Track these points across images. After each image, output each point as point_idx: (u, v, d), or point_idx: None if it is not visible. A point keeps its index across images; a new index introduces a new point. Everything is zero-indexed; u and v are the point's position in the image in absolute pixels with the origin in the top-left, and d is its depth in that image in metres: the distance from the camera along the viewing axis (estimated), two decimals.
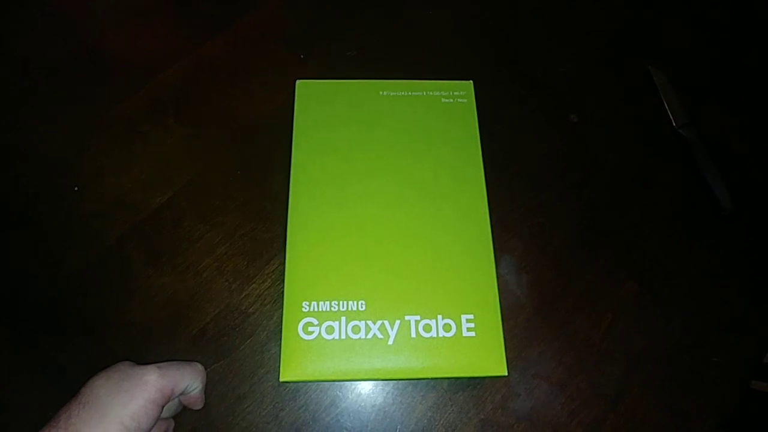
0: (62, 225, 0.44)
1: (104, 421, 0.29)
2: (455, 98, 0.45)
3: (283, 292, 0.38)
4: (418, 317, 0.36)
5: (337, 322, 0.36)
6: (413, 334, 0.36)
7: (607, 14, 0.56)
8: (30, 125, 0.48)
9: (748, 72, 0.54)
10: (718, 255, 0.45)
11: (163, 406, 0.32)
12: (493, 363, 0.36)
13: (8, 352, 0.40)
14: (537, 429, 0.39)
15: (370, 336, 0.36)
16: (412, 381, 0.40)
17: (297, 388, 0.39)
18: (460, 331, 0.36)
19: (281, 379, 0.35)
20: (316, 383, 0.39)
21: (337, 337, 0.36)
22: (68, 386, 0.31)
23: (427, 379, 0.39)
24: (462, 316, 0.37)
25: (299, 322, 0.36)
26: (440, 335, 0.36)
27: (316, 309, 0.36)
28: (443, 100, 0.45)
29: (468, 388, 0.40)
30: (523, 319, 0.42)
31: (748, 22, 0.57)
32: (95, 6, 0.54)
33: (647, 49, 0.54)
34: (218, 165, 0.46)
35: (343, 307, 0.36)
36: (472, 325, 0.36)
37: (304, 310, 0.36)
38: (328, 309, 0.36)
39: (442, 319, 0.36)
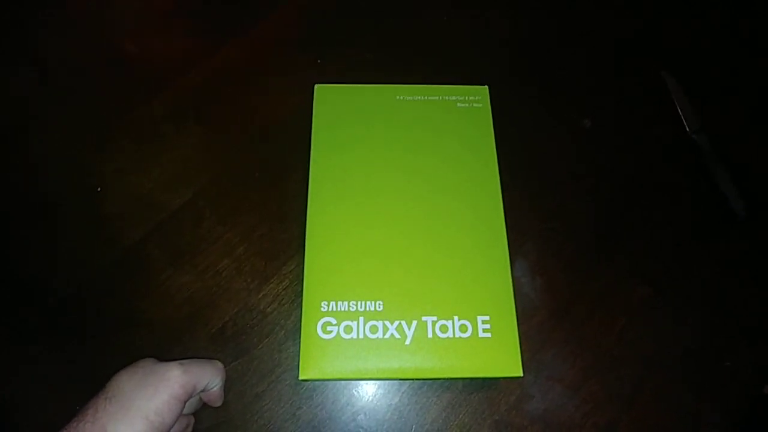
0: (85, 225, 0.45)
1: (129, 415, 0.29)
2: (471, 103, 0.46)
3: (300, 292, 0.38)
4: (434, 318, 0.37)
5: (355, 322, 0.37)
6: (430, 335, 0.37)
7: (621, 19, 0.57)
8: (54, 127, 0.49)
9: (762, 76, 0.54)
10: (731, 260, 0.46)
11: (185, 402, 0.32)
12: (509, 364, 0.36)
13: (34, 348, 0.41)
14: (551, 430, 0.39)
15: (387, 336, 0.36)
16: (428, 381, 0.40)
17: (314, 386, 0.40)
18: (476, 332, 0.37)
19: (300, 378, 0.35)
20: (332, 382, 0.40)
21: (355, 337, 0.36)
22: (93, 381, 0.32)
23: (443, 379, 0.40)
24: (478, 317, 0.37)
25: (318, 321, 0.37)
26: (456, 336, 0.37)
27: (334, 309, 0.37)
28: (459, 104, 0.46)
29: (483, 389, 0.40)
30: (537, 322, 0.42)
31: (763, 27, 0.57)
32: (117, 11, 0.55)
33: (661, 54, 0.55)
34: (237, 166, 0.47)
35: (361, 308, 0.37)
36: (487, 326, 0.37)
37: (322, 309, 0.37)
38: (346, 309, 0.37)
39: (459, 320, 0.37)
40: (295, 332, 0.41)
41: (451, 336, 0.36)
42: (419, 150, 0.43)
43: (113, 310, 0.42)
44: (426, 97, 0.46)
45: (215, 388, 0.36)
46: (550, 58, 0.54)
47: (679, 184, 0.49)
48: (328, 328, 0.36)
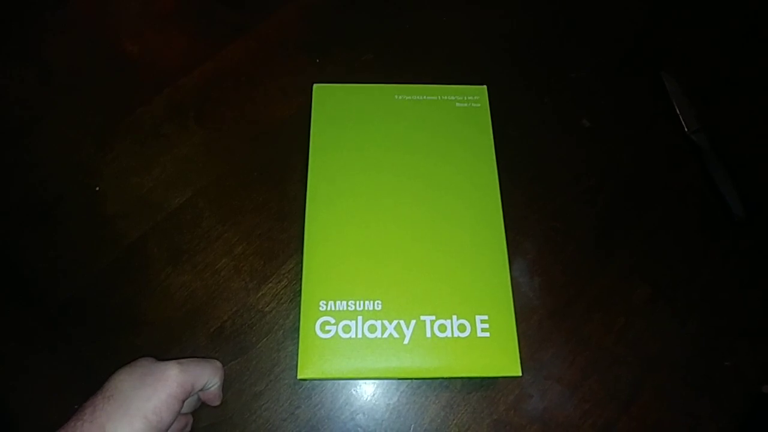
0: (86, 224, 0.45)
1: (128, 414, 0.30)
2: (469, 102, 0.46)
3: (298, 291, 0.38)
4: (433, 317, 0.37)
5: (353, 321, 0.37)
6: (428, 334, 0.37)
7: (621, 19, 0.57)
8: (54, 127, 0.49)
9: (761, 76, 0.54)
10: (731, 259, 0.45)
11: (183, 402, 0.32)
12: (508, 363, 0.36)
13: (34, 347, 0.41)
14: (549, 430, 0.39)
15: (386, 335, 0.36)
16: (426, 380, 0.40)
17: (313, 386, 0.40)
18: (475, 332, 0.37)
19: (299, 377, 0.35)
20: (331, 381, 0.40)
21: (353, 336, 0.36)
22: (92, 380, 0.32)
23: (442, 378, 0.40)
24: (476, 316, 0.37)
25: (317, 320, 0.37)
26: (455, 335, 0.37)
27: (333, 308, 0.37)
28: (457, 104, 0.46)
29: (481, 389, 0.40)
30: (536, 321, 0.42)
31: (764, 28, 0.57)
32: (119, 12, 0.55)
33: (661, 54, 0.55)
34: (237, 166, 0.47)
35: (359, 307, 0.37)
36: (486, 325, 0.37)
37: (321, 309, 0.37)
38: (345, 308, 0.37)
39: (457, 319, 0.37)
40: (293, 331, 0.41)
41: (450, 335, 0.36)
42: (418, 149, 0.43)
43: (112, 309, 0.42)
44: (425, 97, 0.46)
45: (213, 388, 0.36)
46: (549, 58, 0.54)
47: (678, 184, 0.48)
48: (327, 328, 0.36)
